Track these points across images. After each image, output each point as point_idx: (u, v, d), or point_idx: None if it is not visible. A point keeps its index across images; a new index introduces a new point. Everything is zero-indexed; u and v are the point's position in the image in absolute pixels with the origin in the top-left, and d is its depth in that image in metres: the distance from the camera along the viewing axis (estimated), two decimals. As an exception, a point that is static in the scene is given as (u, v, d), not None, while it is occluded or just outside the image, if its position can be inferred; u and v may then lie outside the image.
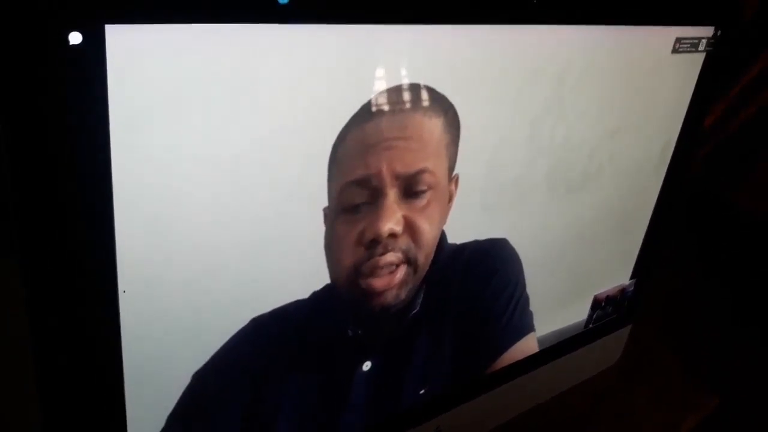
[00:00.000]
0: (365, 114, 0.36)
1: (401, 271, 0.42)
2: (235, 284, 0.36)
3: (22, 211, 0.28)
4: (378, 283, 0.41)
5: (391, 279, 0.42)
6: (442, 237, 0.45)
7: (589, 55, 0.47)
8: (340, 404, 0.46)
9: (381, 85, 0.36)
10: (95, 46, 0.26)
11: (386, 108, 0.36)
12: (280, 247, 0.37)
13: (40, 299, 0.30)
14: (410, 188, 0.39)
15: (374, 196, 0.38)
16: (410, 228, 0.41)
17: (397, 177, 0.38)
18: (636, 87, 0.53)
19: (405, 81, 0.37)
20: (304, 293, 0.39)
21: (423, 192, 0.40)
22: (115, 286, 0.32)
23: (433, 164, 0.40)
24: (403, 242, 0.41)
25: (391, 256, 0.40)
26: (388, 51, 0.36)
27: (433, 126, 0.39)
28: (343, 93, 0.35)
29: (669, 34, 0.53)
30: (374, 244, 0.39)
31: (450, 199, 0.43)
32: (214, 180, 0.33)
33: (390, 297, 0.43)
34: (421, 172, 0.39)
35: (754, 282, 0.97)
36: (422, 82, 0.38)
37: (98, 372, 0.33)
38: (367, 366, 0.46)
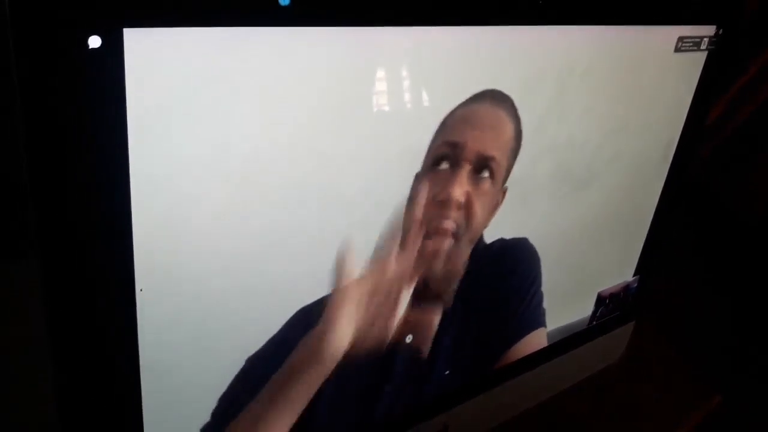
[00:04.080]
0: (474, 97, 0.42)
1: (447, 243, 0.46)
2: (251, 282, 0.37)
3: (41, 210, 0.28)
4: (431, 245, 0.45)
5: (439, 245, 0.46)
6: (480, 237, 0.49)
7: (592, 55, 0.47)
8: (386, 375, 0.49)
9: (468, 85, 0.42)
10: (114, 49, 0.27)
11: (486, 98, 0.43)
12: (297, 246, 0.38)
13: (58, 298, 0.30)
14: (479, 169, 0.45)
15: (454, 162, 0.44)
16: (468, 205, 0.46)
17: (476, 154, 0.44)
18: (639, 86, 0.54)
19: (496, 89, 0.43)
20: (314, 294, 0.40)
21: (485, 178, 0.46)
22: (132, 285, 0.32)
23: (499, 157, 0.46)
24: (459, 216, 0.46)
25: (448, 224, 0.45)
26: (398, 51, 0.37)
27: (509, 129, 0.46)
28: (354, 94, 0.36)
29: (671, 33, 0.53)
30: (442, 206, 0.44)
31: (497, 205, 0.48)
32: (232, 179, 0.33)
33: (431, 264, 0.46)
34: (491, 159, 0.45)
35: (757, 280, 0.97)
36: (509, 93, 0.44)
37: (115, 369, 0.34)
38: (409, 338, 0.49)
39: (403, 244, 0.43)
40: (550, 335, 0.61)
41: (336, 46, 0.34)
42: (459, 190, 0.44)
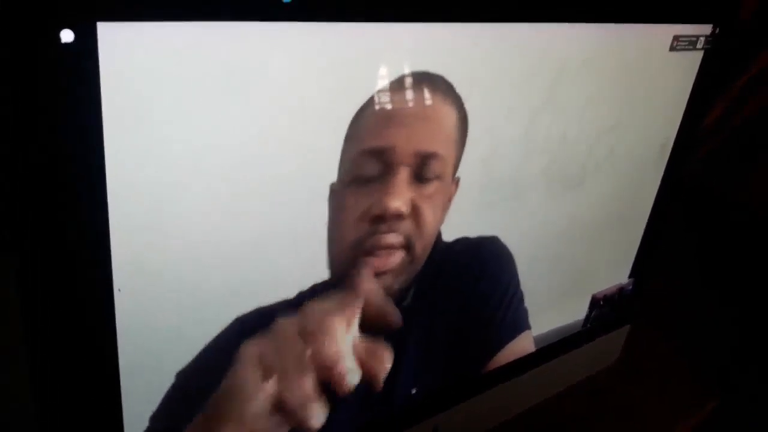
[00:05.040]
0: (388, 90, 0.37)
1: (399, 257, 0.42)
2: (226, 283, 0.36)
3: (17, 209, 0.28)
4: (375, 263, 0.41)
5: (388, 262, 0.41)
6: (438, 235, 0.45)
7: (587, 52, 0.47)
8: (332, 399, 0.45)
9: (395, 72, 0.37)
10: (87, 43, 0.26)
11: (408, 88, 0.37)
12: (271, 247, 0.37)
13: (36, 298, 0.30)
14: (421, 171, 0.40)
15: (386, 170, 0.39)
16: (415, 213, 0.41)
17: (412, 155, 0.39)
18: (634, 84, 0.53)
19: (423, 70, 0.38)
20: (292, 292, 0.39)
21: (431, 179, 0.41)
22: (110, 285, 0.31)
23: (444, 152, 0.41)
24: (407, 226, 0.41)
25: (393, 237, 0.40)
26: (386, 45, 0.36)
27: (449, 116, 0.40)
28: (349, 83, 0.36)
29: (667, 31, 0.53)
30: (379, 221, 0.39)
31: (450, 198, 0.44)
32: (207, 178, 0.33)
33: (384, 284, 0.42)
34: (433, 156, 0.40)
35: (756, 282, 0.97)
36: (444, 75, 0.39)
37: (94, 370, 0.33)
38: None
39: (335, 267, 0.39)
40: (543, 337, 0.60)
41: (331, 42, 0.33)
42: (398, 201, 0.39)
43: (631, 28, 0.49)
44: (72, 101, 0.27)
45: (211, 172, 0.33)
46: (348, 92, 0.36)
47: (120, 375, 0.34)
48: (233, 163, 0.33)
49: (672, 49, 0.53)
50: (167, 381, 0.36)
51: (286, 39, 0.32)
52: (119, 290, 0.32)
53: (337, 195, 0.37)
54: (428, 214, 0.42)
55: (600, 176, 0.55)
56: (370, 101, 0.36)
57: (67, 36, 0.26)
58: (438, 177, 0.41)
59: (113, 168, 0.29)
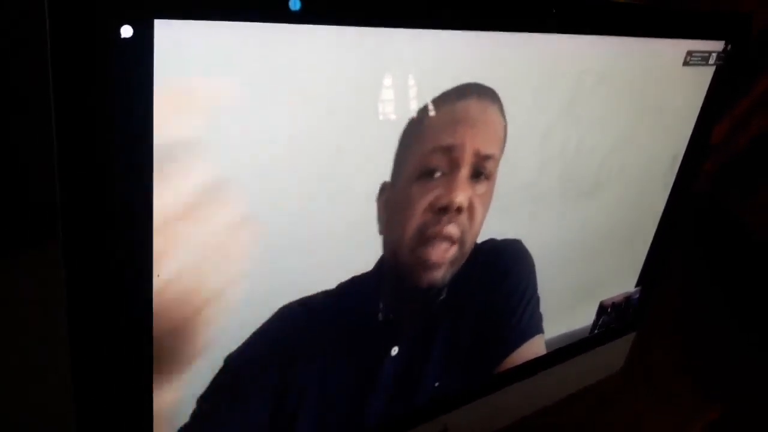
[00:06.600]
0: (454, 93, 0.40)
1: (454, 249, 0.45)
2: (266, 273, 0.38)
3: (66, 196, 0.29)
4: (435, 252, 0.44)
5: (446, 253, 0.45)
6: None
7: (603, 65, 0.48)
8: (370, 388, 0.48)
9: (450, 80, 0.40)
10: (144, 39, 0.28)
11: (471, 94, 0.41)
12: (312, 237, 0.39)
13: (79, 283, 0.31)
14: (478, 171, 0.44)
15: (452, 166, 0.42)
16: (470, 209, 0.45)
17: (474, 154, 0.43)
18: (647, 98, 0.54)
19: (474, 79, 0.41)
20: (333, 283, 0.41)
21: (485, 179, 0.45)
22: (150, 270, 0.33)
23: (496, 155, 0.45)
24: (463, 220, 0.45)
25: (453, 228, 0.44)
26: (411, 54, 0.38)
27: (500, 123, 0.44)
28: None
29: (680, 46, 0.54)
30: (443, 212, 0.43)
31: (491, 199, 0.47)
32: (250, 171, 0.34)
33: (437, 274, 0.46)
34: (490, 156, 0.44)
35: (760, 292, 0.98)
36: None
37: (130, 354, 0.35)
38: (395, 351, 0.48)
39: (392, 256, 0.42)
40: (551, 342, 0.62)
41: (346, 46, 0.35)
42: (462, 195, 0.43)
43: (647, 42, 0.51)
44: (127, 91, 0.28)
45: (251, 167, 0.34)
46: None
47: (154, 358, 0.36)
48: (272, 159, 0.35)
49: (685, 63, 0.55)
50: (200, 366, 0.38)
51: (341, 44, 0.34)
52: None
53: (403, 189, 0.41)
54: (479, 212, 0.46)
55: (612, 187, 0.57)
56: (436, 104, 0.40)
57: (126, 31, 0.27)
58: (489, 178, 0.45)
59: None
